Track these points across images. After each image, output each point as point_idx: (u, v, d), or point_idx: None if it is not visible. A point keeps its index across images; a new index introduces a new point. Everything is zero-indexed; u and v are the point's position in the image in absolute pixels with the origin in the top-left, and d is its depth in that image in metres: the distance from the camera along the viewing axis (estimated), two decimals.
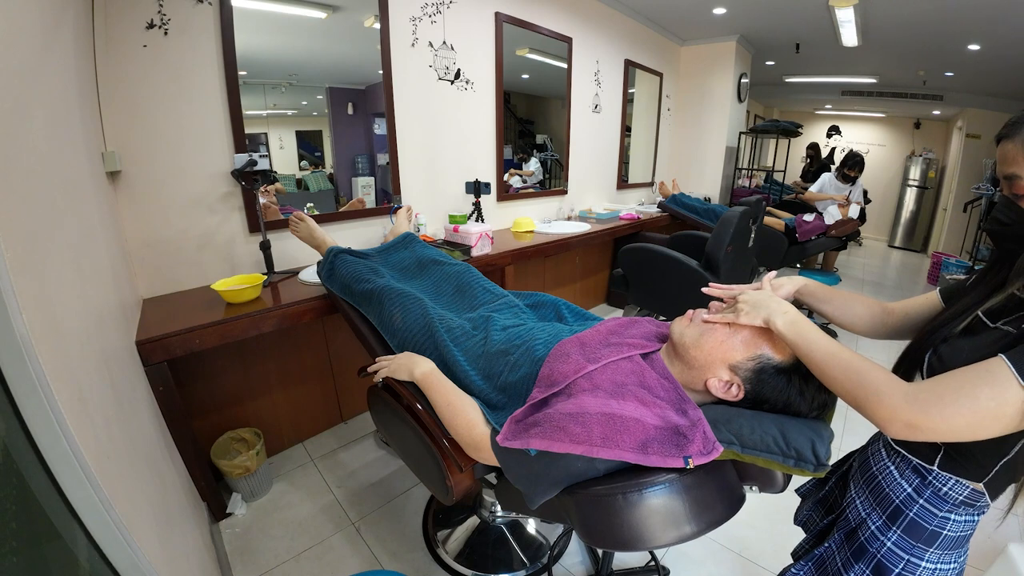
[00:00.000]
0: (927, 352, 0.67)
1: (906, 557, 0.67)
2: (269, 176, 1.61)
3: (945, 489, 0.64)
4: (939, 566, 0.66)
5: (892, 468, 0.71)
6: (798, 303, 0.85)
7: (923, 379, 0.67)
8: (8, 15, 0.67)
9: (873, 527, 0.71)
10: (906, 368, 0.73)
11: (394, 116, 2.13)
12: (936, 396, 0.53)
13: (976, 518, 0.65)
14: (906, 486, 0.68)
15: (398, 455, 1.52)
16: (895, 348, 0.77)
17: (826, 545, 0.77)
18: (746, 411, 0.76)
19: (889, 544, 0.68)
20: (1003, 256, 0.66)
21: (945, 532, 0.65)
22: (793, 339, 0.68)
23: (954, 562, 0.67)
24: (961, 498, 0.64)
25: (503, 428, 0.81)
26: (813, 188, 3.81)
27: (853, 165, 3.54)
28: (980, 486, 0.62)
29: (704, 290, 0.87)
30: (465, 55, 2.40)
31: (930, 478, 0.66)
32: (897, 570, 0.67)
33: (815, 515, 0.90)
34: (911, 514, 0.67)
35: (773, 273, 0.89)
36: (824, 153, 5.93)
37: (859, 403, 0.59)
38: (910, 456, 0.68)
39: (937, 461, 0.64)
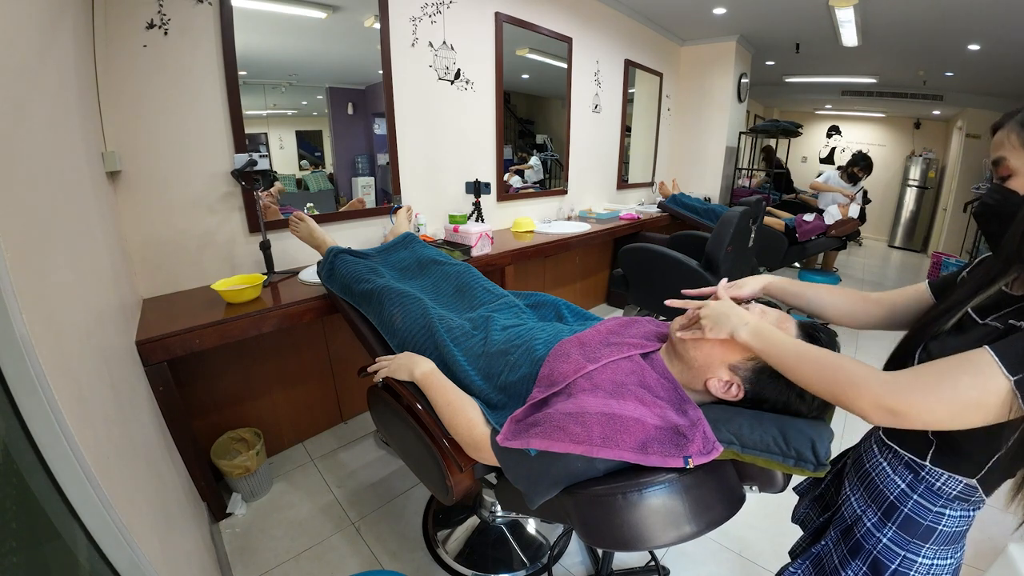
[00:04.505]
0: (917, 349, 0.67)
1: (902, 553, 0.67)
2: (269, 178, 1.60)
3: (938, 484, 0.64)
4: (935, 562, 0.66)
5: (885, 464, 0.71)
6: (773, 304, 0.85)
7: None
8: (8, 15, 0.67)
9: (868, 524, 0.71)
10: (896, 365, 0.73)
11: (394, 116, 2.13)
12: (917, 382, 0.54)
13: (972, 513, 0.65)
14: (900, 482, 0.68)
15: (398, 455, 1.52)
16: (894, 345, 0.76)
17: (823, 543, 0.78)
18: (746, 411, 0.76)
19: (885, 540, 0.68)
20: (989, 242, 0.66)
21: (940, 527, 0.65)
22: (760, 348, 0.68)
23: (950, 557, 0.67)
24: (955, 493, 0.64)
25: (503, 428, 0.81)
26: (819, 179, 3.80)
27: (865, 167, 3.52)
28: (973, 481, 0.62)
29: (667, 303, 0.87)
30: (465, 55, 2.40)
31: (923, 473, 0.65)
32: (893, 566, 0.67)
33: (812, 513, 0.90)
34: (906, 510, 0.67)
35: (724, 280, 0.89)
36: (824, 153, 5.92)
37: (837, 397, 0.59)
38: (902, 451, 0.68)
39: (929, 456, 0.64)
